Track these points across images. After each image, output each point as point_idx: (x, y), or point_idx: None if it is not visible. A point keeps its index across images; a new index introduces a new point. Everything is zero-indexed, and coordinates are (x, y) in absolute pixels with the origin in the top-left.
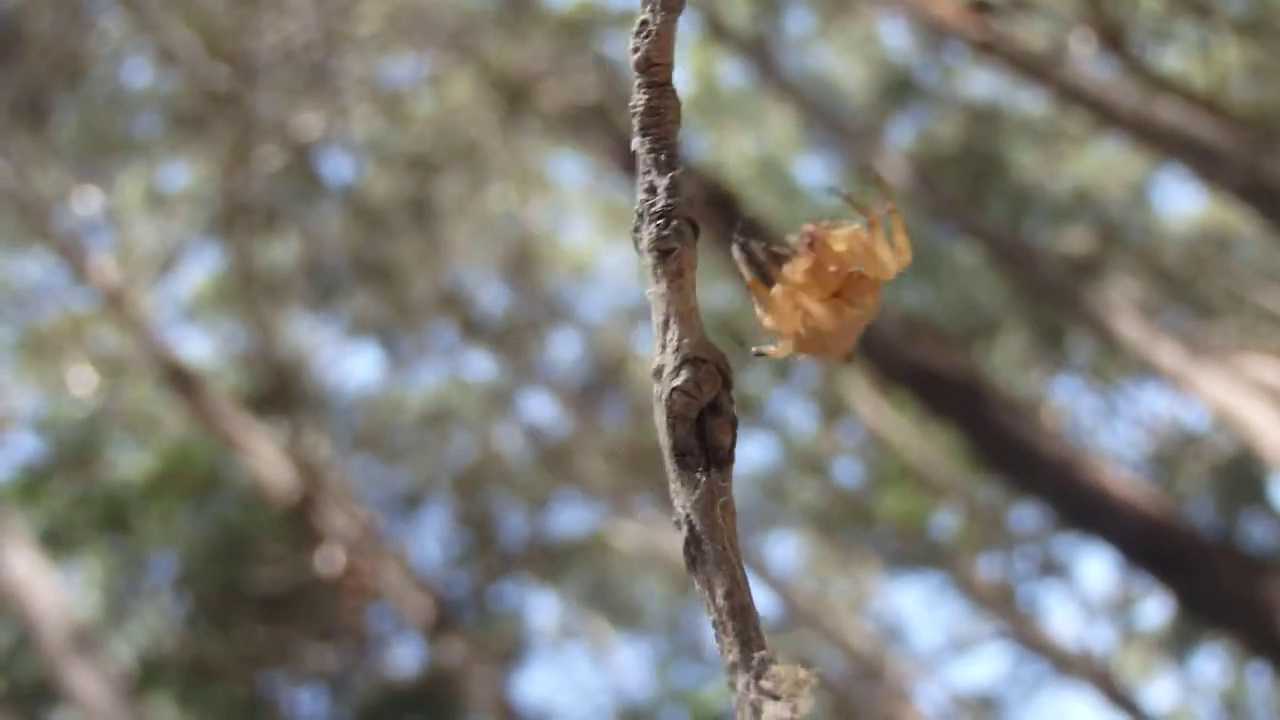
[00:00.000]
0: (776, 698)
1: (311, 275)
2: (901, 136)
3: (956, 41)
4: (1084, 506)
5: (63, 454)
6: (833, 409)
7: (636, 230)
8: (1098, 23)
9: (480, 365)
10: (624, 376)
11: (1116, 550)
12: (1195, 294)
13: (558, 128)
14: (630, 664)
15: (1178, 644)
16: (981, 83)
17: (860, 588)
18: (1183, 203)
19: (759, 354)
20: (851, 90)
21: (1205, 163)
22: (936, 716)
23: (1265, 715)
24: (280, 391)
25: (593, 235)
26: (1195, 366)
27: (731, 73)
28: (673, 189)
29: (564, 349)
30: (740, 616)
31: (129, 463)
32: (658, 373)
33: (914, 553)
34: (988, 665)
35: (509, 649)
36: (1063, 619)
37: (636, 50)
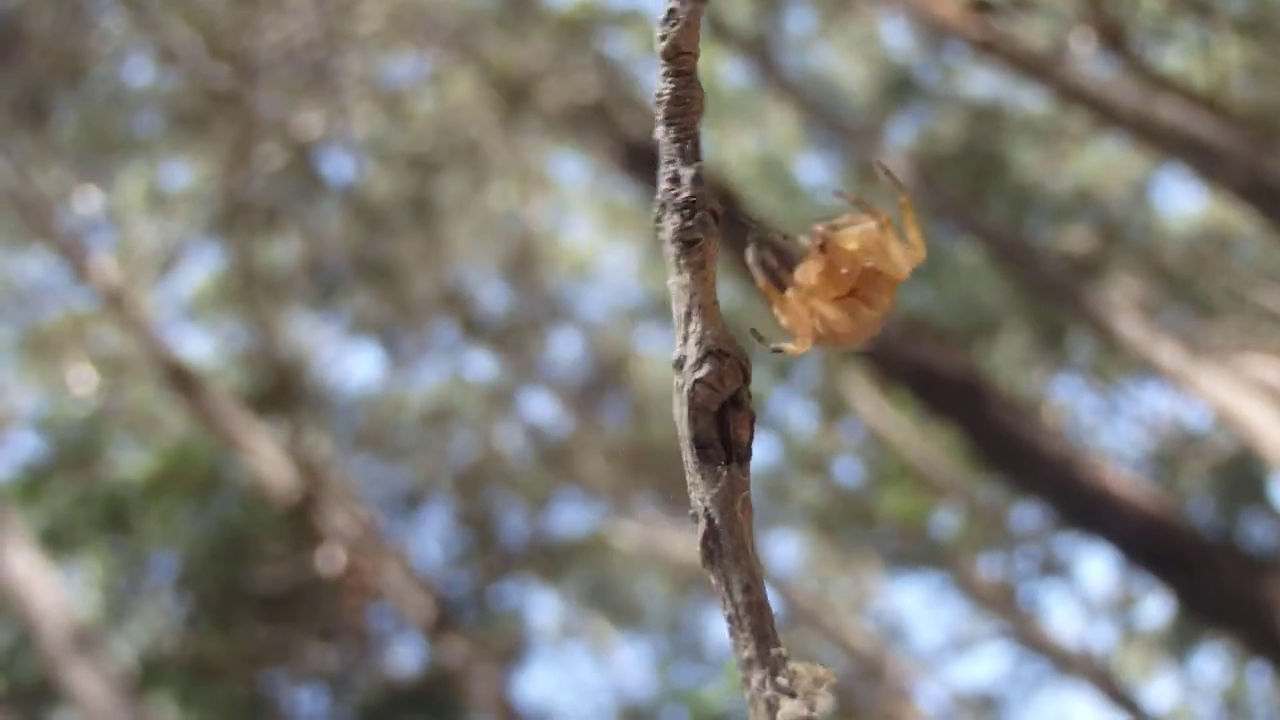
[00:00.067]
0: (793, 695)
1: (312, 274)
2: (902, 136)
3: (957, 41)
4: (1085, 506)
5: (63, 453)
6: (833, 408)
7: (658, 220)
8: (1098, 22)
9: (481, 364)
10: (625, 376)
11: (1117, 549)
12: (1196, 293)
13: (559, 127)
14: (631, 663)
15: (1178, 643)
16: (982, 82)
17: (861, 587)
18: (1184, 202)
19: (776, 350)
20: (852, 89)
21: (1206, 162)
22: (937, 716)
23: (1266, 715)
24: (281, 391)
25: (593, 234)
26: (1196, 366)
27: (732, 72)
28: (697, 179)
29: (565, 348)
30: (757, 612)
31: (130, 462)
32: (679, 364)
33: (914, 552)
34: (988, 664)
35: (510, 648)
36: (1063, 618)
37: (664, 38)
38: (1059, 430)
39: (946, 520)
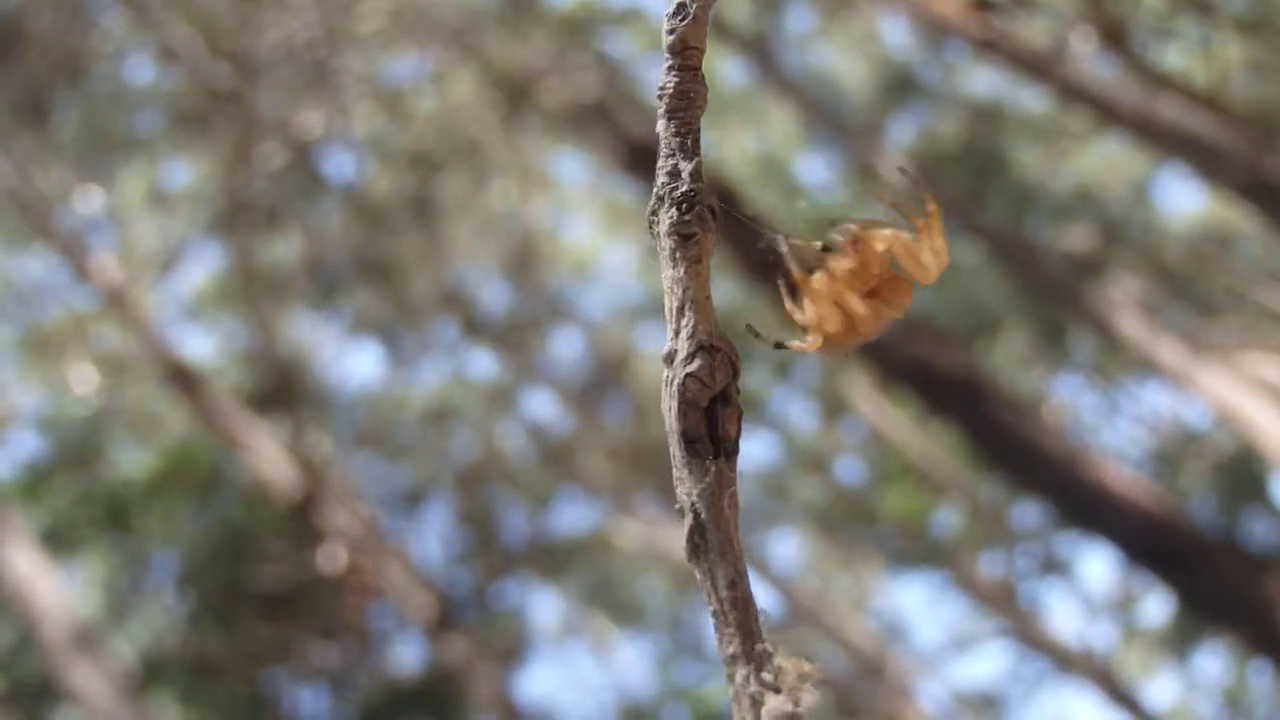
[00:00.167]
0: (778, 690)
1: (313, 273)
2: (903, 134)
3: (958, 39)
4: (1085, 504)
5: (65, 452)
6: (834, 407)
7: (654, 214)
8: (1099, 20)
9: (482, 363)
10: (626, 374)
11: (1118, 548)
12: (1197, 291)
13: (559, 126)
14: (632, 662)
15: (1179, 641)
16: (983, 80)
17: (862, 585)
18: (1184, 200)
19: (779, 346)
20: (853, 88)
21: (1206, 160)
22: (938, 714)
23: (1266, 712)
24: (282, 389)
25: (594, 233)
26: (1196, 364)
27: (733, 70)
28: (696, 174)
29: (565, 347)
30: (742, 608)
31: (131, 461)
32: (669, 358)
33: (915, 550)
34: (989, 663)
35: (511, 647)
36: (1064, 616)
37: (672, 32)
38: (1060, 429)
39: (947, 519)
